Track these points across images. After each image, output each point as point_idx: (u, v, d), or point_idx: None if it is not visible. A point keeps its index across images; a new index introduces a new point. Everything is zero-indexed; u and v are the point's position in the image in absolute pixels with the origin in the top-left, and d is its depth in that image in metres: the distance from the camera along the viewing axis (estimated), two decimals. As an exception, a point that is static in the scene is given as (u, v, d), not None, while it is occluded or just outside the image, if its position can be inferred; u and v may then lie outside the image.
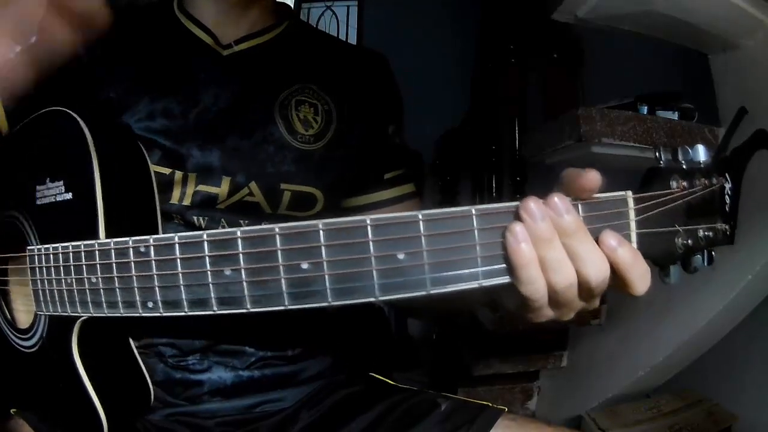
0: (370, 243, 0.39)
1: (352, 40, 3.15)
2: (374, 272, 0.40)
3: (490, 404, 0.65)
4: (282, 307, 0.42)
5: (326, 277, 0.40)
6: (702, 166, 0.42)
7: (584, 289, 0.40)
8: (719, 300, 1.17)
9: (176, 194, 0.66)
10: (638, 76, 1.67)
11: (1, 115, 0.64)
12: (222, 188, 0.66)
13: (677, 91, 1.38)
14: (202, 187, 0.66)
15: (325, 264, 0.40)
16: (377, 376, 0.77)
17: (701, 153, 0.42)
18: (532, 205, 0.38)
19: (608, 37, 1.60)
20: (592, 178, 0.39)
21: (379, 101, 0.77)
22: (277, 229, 0.41)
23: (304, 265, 0.40)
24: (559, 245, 0.39)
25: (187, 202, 0.66)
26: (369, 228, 0.39)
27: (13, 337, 0.63)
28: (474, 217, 0.39)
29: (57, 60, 0.54)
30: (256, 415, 0.69)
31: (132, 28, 0.70)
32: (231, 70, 0.70)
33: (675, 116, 1.30)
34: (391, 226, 0.40)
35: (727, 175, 0.42)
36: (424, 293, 0.40)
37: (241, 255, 0.41)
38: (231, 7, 0.71)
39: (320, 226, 0.40)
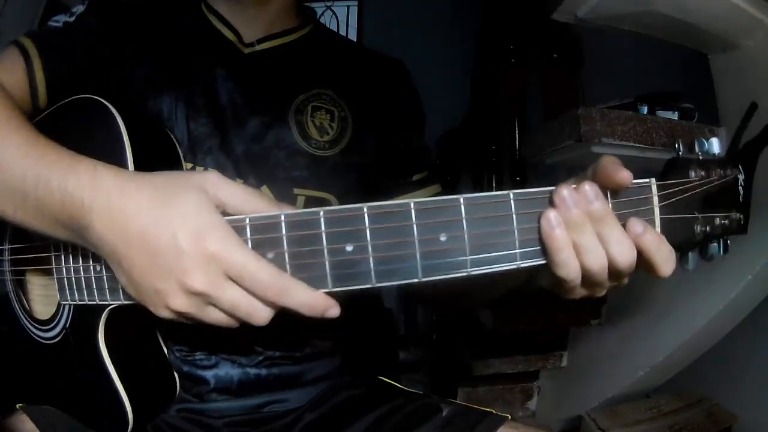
0: (414, 226, 0.41)
1: (352, 40, 3.15)
2: (417, 254, 0.41)
3: (494, 411, 0.65)
4: (325, 290, 0.43)
5: (371, 259, 0.42)
6: (716, 157, 0.44)
7: (613, 270, 0.43)
8: (719, 300, 1.17)
9: None
10: (638, 76, 1.67)
11: (42, 92, 0.64)
12: None
13: (677, 91, 1.38)
14: None
15: (369, 246, 0.41)
16: (385, 379, 0.77)
17: (715, 145, 0.43)
18: (565, 192, 0.41)
19: (608, 37, 1.60)
20: (626, 177, 0.41)
21: (398, 108, 0.77)
22: (321, 213, 0.42)
23: (349, 248, 0.42)
24: (590, 230, 0.41)
25: None
26: (413, 212, 0.41)
27: (32, 329, 0.62)
28: (512, 201, 0.42)
29: None
30: (265, 415, 0.69)
31: (159, 18, 0.71)
32: (250, 69, 0.70)
33: (675, 116, 1.30)
34: (434, 210, 0.42)
35: (740, 166, 0.44)
36: (464, 274, 0.42)
37: (284, 238, 0.42)
38: (249, 3, 0.71)
39: (365, 209, 0.41)
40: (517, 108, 2.08)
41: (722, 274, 1.16)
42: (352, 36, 3.20)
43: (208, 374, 0.67)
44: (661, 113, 1.31)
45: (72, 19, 0.68)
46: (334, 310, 0.43)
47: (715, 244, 0.44)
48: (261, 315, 0.44)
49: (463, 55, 2.67)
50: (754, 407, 1.26)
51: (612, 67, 1.89)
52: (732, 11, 1.07)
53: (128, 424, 0.54)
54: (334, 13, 3.29)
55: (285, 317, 0.44)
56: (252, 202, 0.45)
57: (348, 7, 3.28)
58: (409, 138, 0.78)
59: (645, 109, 1.31)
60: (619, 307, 1.43)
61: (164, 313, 0.45)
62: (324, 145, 0.70)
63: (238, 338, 0.67)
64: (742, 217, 0.44)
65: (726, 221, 0.44)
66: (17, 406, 0.60)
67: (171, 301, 0.43)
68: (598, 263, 0.42)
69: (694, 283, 1.22)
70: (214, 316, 0.44)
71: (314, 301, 0.42)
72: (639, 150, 1.23)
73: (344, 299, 0.44)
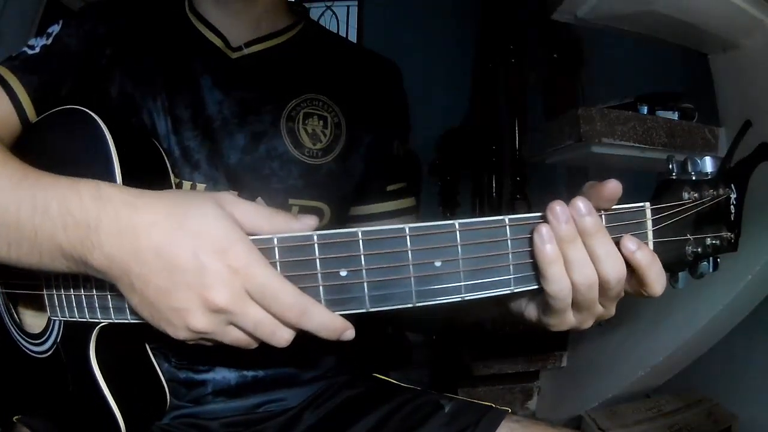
0: (409, 251, 0.41)
1: (352, 40, 3.15)
2: (412, 279, 0.41)
3: (494, 405, 0.65)
4: None
5: (365, 284, 0.41)
6: (709, 176, 0.44)
7: (603, 288, 0.43)
8: (719, 300, 1.17)
9: None
10: (638, 76, 1.67)
11: (29, 106, 0.63)
12: None
13: (677, 91, 1.38)
14: None
15: (363, 271, 0.41)
16: (380, 376, 0.77)
17: (708, 164, 0.44)
18: (558, 208, 0.41)
19: (608, 37, 1.60)
20: (613, 187, 0.41)
21: (388, 112, 0.76)
22: (315, 238, 0.41)
23: (343, 273, 0.41)
24: (581, 246, 0.42)
25: None
26: (408, 237, 0.41)
27: (23, 342, 0.62)
28: (507, 227, 0.42)
29: None
30: (261, 415, 0.69)
31: (141, 27, 0.68)
32: (238, 75, 0.68)
33: (675, 116, 1.30)
34: (429, 236, 0.41)
35: (732, 185, 0.44)
36: (459, 299, 0.42)
37: (278, 263, 0.42)
38: (234, 5, 0.69)
39: (359, 235, 0.41)
40: (517, 108, 2.08)
41: (722, 275, 1.15)
42: (352, 36, 3.21)
43: (206, 378, 0.68)
44: (661, 113, 1.30)
45: (49, 41, 0.65)
46: (350, 332, 0.42)
47: (705, 262, 0.45)
48: (283, 335, 0.42)
49: (463, 55, 2.67)
50: (754, 407, 1.26)
51: (612, 67, 1.89)
52: (732, 11, 1.07)
53: None
54: (334, 13, 3.30)
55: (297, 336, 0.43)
56: (270, 220, 0.43)
57: (348, 7, 3.28)
58: (393, 143, 0.76)
59: (645, 109, 1.31)
60: (619, 308, 1.43)
61: (182, 334, 0.42)
62: (317, 153, 0.68)
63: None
64: (732, 235, 0.45)
65: (717, 241, 0.44)
66: (14, 418, 0.61)
67: (191, 320, 0.40)
68: (588, 279, 0.42)
69: (695, 283, 1.21)
70: (234, 335, 0.42)
71: (333, 323, 0.41)
72: (639, 150, 1.23)
73: None
